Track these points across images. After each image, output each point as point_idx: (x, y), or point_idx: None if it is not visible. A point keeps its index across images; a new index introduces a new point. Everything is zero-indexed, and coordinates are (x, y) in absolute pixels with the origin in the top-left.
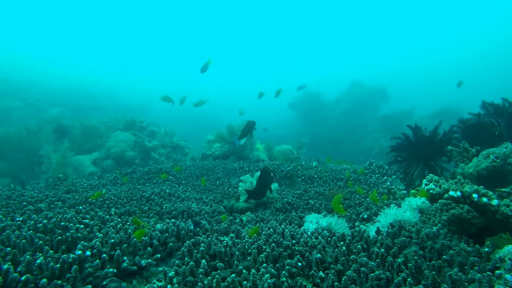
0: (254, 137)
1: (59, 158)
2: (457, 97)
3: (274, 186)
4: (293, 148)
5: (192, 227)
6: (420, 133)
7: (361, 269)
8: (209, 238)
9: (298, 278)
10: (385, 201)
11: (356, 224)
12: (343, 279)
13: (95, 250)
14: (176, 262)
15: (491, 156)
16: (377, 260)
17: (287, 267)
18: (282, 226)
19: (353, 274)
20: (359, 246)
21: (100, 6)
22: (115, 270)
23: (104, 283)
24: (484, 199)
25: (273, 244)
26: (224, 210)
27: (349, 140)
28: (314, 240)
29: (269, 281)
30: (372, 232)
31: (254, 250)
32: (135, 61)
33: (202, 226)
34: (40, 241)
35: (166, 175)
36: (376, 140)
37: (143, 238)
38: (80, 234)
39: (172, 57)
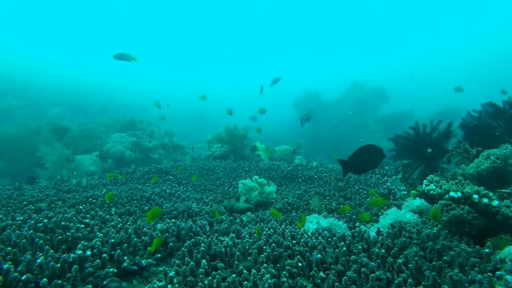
0: (254, 138)
1: (56, 158)
2: (457, 98)
3: (271, 188)
4: (293, 149)
5: (208, 228)
6: (423, 130)
7: (362, 269)
8: (209, 238)
9: (299, 278)
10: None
11: (356, 224)
12: (343, 280)
13: (95, 250)
14: (177, 262)
15: (491, 157)
16: (378, 260)
17: (288, 268)
18: (283, 226)
19: (354, 275)
20: (360, 247)
21: (100, 6)
22: (116, 270)
23: (105, 282)
24: (485, 200)
25: (274, 244)
26: (224, 210)
27: (349, 140)
28: (314, 240)
29: (269, 281)
30: (372, 233)
31: (254, 251)
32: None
33: (203, 226)
34: (41, 241)
35: (157, 178)
36: (377, 140)
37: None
38: (80, 234)
39: (173, 58)
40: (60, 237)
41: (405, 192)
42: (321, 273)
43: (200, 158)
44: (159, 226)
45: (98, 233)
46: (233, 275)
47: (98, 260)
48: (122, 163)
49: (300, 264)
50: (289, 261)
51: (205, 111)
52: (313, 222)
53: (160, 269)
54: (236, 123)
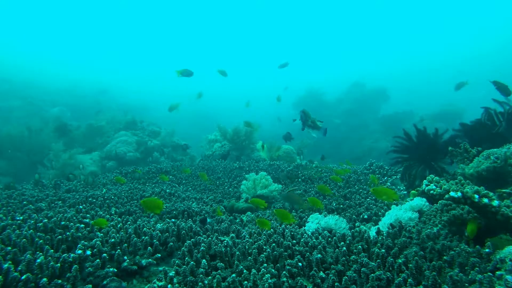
0: (255, 137)
1: (65, 158)
2: (457, 98)
3: (276, 186)
4: (294, 148)
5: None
6: (424, 134)
7: (362, 269)
8: (209, 238)
9: (299, 278)
10: (386, 202)
11: (356, 224)
12: (343, 280)
13: (95, 250)
14: (177, 261)
15: (491, 157)
16: (378, 260)
17: (288, 267)
18: (283, 226)
19: (354, 275)
20: (360, 247)
21: (100, 6)
22: (116, 270)
23: (105, 282)
24: (485, 200)
25: (274, 244)
26: (224, 210)
27: (349, 140)
28: (314, 240)
29: (269, 281)
30: (372, 233)
31: (254, 250)
32: (135, 61)
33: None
34: (41, 241)
35: (123, 179)
36: (377, 140)
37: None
38: (80, 234)
39: (173, 58)
40: (60, 236)
41: (405, 192)
42: (321, 273)
43: (201, 157)
44: (159, 226)
45: (98, 232)
46: (233, 275)
47: (98, 260)
48: (124, 163)
49: (300, 264)
50: (289, 261)
51: (206, 110)
52: (313, 222)
53: (160, 269)
54: (236, 122)
